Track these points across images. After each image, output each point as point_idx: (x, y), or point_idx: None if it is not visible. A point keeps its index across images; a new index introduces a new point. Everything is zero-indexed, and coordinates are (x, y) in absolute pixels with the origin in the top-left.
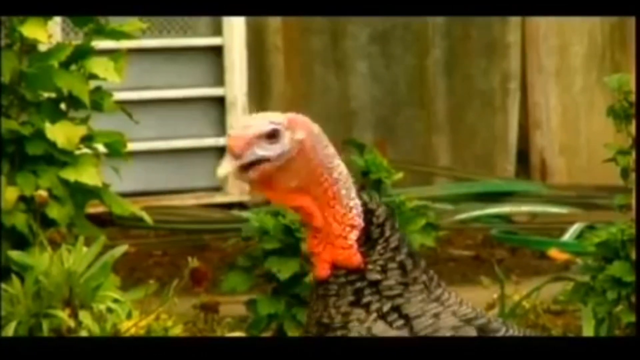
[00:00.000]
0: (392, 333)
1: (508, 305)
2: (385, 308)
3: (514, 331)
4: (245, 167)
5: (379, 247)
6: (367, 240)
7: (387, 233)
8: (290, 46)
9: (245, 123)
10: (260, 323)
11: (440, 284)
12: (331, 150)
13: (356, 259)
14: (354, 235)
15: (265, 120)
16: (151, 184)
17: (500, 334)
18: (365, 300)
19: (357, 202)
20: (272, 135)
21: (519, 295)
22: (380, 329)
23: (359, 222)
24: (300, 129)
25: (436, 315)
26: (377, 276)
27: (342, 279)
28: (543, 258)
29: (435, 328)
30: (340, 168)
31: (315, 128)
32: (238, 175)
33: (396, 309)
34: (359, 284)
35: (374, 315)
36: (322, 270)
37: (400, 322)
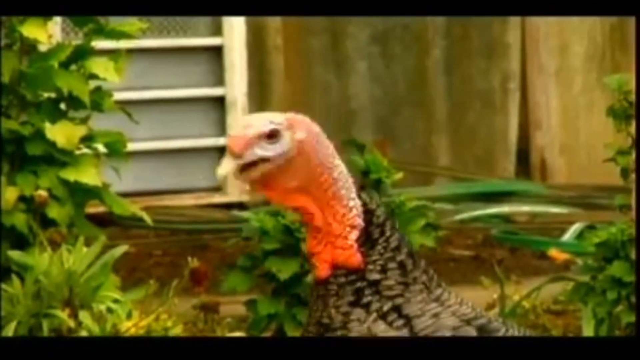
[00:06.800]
0: (392, 333)
1: (508, 305)
2: (386, 308)
3: (514, 331)
4: (246, 167)
5: (379, 247)
6: (366, 241)
7: (387, 233)
8: (290, 46)
9: (245, 123)
10: (260, 323)
11: (440, 284)
12: (331, 149)
13: (356, 259)
14: (354, 235)
15: (265, 120)
16: (151, 184)
17: (500, 333)
18: (365, 300)
19: (357, 202)
20: (272, 135)
21: (519, 295)
22: (381, 329)
23: (359, 222)
24: (300, 128)
25: (436, 315)
26: (377, 276)
27: (342, 279)
28: (543, 258)
29: (435, 328)
30: (340, 168)
31: (316, 127)
32: (238, 176)
33: (396, 309)
34: (358, 284)
35: (374, 315)
36: (323, 270)
37: (400, 322)
